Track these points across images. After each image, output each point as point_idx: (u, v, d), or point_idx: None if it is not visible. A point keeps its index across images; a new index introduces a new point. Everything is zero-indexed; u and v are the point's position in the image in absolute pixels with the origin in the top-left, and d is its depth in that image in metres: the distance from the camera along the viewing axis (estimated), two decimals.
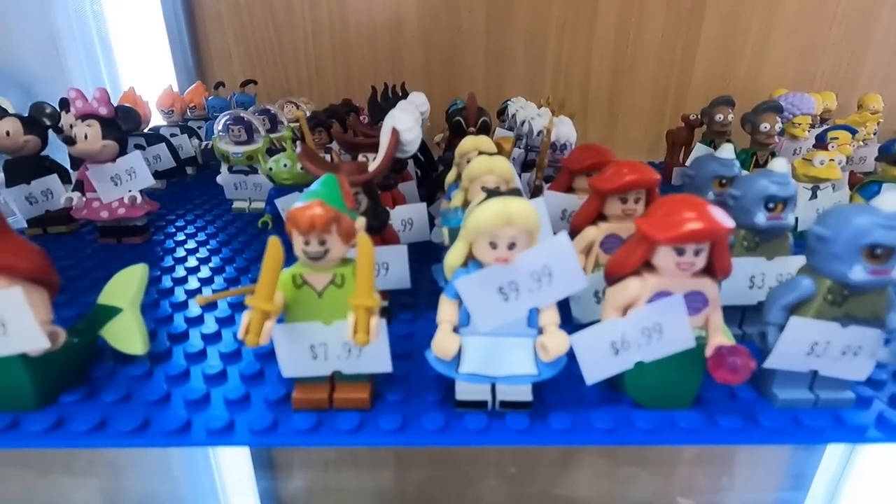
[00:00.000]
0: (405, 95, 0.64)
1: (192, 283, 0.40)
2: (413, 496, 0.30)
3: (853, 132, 0.53)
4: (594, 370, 0.24)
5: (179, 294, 0.38)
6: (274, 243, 0.21)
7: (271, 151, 0.58)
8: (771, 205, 0.29)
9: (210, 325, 0.33)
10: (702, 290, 0.23)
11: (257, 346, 0.21)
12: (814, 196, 0.48)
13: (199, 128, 0.78)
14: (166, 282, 0.40)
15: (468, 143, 0.38)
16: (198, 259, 0.44)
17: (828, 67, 0.91)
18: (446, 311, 0.24)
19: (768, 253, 0.30)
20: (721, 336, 0.24)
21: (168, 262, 0.43)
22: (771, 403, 0.26)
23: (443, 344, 0.23)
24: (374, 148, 0.35)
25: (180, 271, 0.42)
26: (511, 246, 0.22)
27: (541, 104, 0.73)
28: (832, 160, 0.46)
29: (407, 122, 0.29)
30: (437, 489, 0.30)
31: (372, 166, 0.30)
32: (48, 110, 0.48)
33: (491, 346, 0.24)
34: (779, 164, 0.29)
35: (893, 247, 0.22)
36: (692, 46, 0.89)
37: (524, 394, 0.25)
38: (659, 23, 0.87)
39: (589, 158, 0.36)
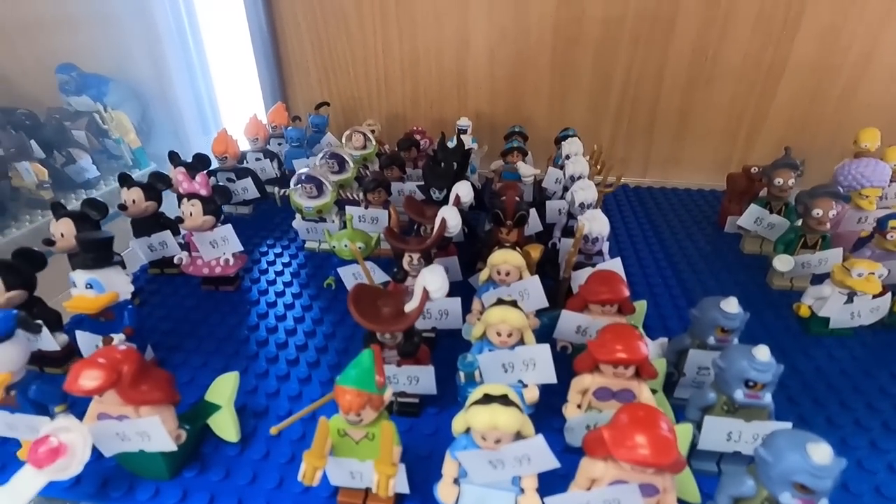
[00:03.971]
0: (462, 146, 0.68)
1: (272, 347, 0.50)
2: None
3: None
4: None
5: (262, 360, 0.48)
6: (323, 423, 0.30)
7: (340, 203, 0.66)
8: (751, 383, 0.32)
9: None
10: (654, 483, 0.29)
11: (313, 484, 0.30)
12: (849, 300, 0.48)
13: (280, 144, 0.87)
14: (258, 335, 0.51)
15: (498, 256, 0.44)
16: (283, 305, 0.56)
17: None
18: (448, 467, 0.31)
19: (746, 416, 0.34)
20: None
21: (254, 310, 0.55)
22: None
23: (444, 492, 0.31)
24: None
25: (271, 321, 0.53)
26: (497, 440, 0.28)
27: (593, 151, 0.74)
28: (872, 273, 0.46)
29: (436, 282, 0.35)
30: None
31: (410, 307, 0.36)
32: (162, 176, 0.58)
33: (483, 494, 0.31)
34: (762, 353, 0.32)
35: (817, 489, 0.26)
36: (779, 64, 0.83)
37: None
38: (744, 38, 0.82)
39: (602, 294, 0.40)
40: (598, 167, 0.68)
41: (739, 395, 0.32)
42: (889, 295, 0.48)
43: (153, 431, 0.33)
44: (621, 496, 0.29)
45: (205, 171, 0.55)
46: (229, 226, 0.54)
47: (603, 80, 0.89)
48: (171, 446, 0.34)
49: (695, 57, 0.84)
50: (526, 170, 0.73)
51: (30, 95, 0.88)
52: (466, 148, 0.67)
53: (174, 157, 0.64)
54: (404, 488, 0.32)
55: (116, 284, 0.41)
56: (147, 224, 0.58)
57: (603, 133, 0.94)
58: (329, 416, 0.31)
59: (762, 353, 0.32)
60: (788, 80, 0.83)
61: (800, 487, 0.26)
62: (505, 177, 0.74)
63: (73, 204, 0.79)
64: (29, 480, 0.31)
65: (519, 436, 0.29)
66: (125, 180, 0.56)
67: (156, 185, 0.57)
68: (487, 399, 0.29)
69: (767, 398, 0.33)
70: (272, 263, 0.64)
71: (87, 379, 0.31)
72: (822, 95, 0.83)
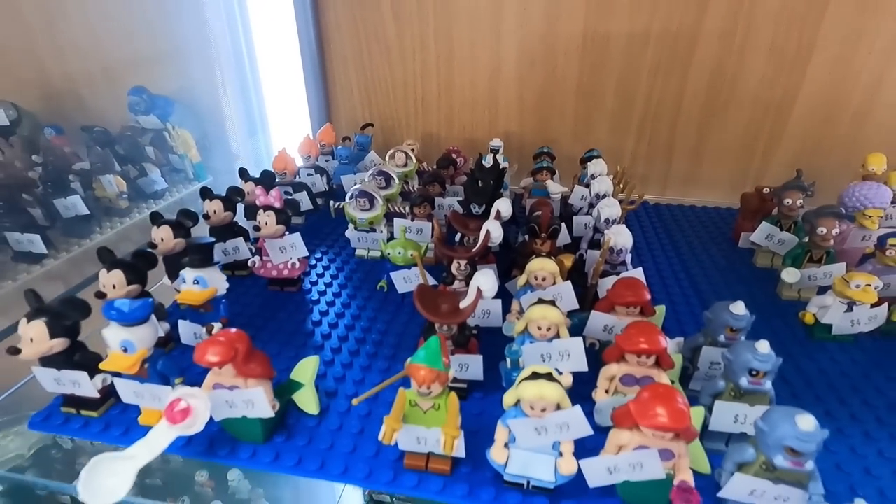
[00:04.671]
0: (497, 165, 0.75)
1: (335, 340, 0.58)
2: None
3: None
4: (595, 480, 0.37)
5: (327, 350, 0.56)
6: (401, 393, 0.37)
7: (388, 216, 0.74)
8: (753, 372, 0.39)
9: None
10: (672, 448, 0.35)
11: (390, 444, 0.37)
12: (849, 310, 0.54)
13: (328, 161, 0.96)
14: (322, 330, 0.59)
15: (535, 264, 0.51)
16: (341, 304, 0.64)
17: None
18: (500, 434, 0.38)
19: (750, 401, 0.40)
20: (685, 474, 0.36)
21: (316, 308, 0.62)
22: None
23: (496, 455, 0.37)
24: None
25: (332, 318, 0.61)
26: (543, 409, 0.35)
27: (616, 171, 0.81)
28: (869, 285, 0.51)
29: (488, 283, 0.42)
30: None
31: (464, 303, 0.44)
32: (238, 190, 0.66)
33: (528, 457, 0.38)
34: (763, 346, 0.38)
35: (804, 452, 0.32)
36: (793, 91, 0.89)
37: (549, 484, 0.39)
38: (759, 65, 0.88)
39: (628, 297, 0.46)
40: (622, 186, 0.75)
41: (744, 381, 0.39)
42: (886, 305, 0.53)
43: (257, 400, 0.41)
44: (643, 459, 0.35)
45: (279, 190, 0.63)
46: (297, 234, 0.62)
47: (625, 102, 0.96)
48: (269, 413, 0.41)
49: (712, 81, 0.90)
50: (554, 188, 0.80)
51: (103, 113, 0.98)
52: (501, 167, 0.74)
53: (244, 173, 0.73)
54: (461, 452, 0.39)
55: (216, 281, 0.50)
56: (224, 231, 0.66)
57: (625, 153, 1.01)
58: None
59: (763, 346, 0.38)
60: (801, 106, 0.89)
61: (790, 451, 0.32)
62: (534, 193, 0.81)
63: (145, 212, 0.89)
64: (162, 434, 0.39)
65: (559, 407, 0.36)
66: (206, 193, 0.65)
67: (233, 198, 0.65)
68: (535, 376, 0.36)
69: (768, 385, 0.39)
70: (327, 268, 0.72)
71: (213, 354, 0.38)
72: (834, 120, 0.88)
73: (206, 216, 0.64)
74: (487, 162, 0.75)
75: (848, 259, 0.64)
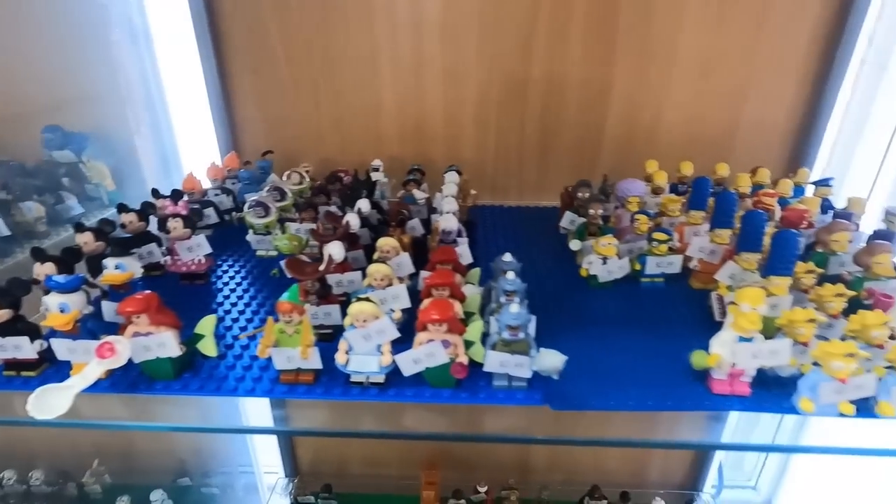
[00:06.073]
0: (369, 179, 0.95)
1: (234, 314, 0.73)
2: None
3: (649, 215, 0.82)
4: (407, 370, 0.56)
5: (228, 320, 0.72)
6: (269, 320, 0.54)
7: (282, 220, 0.91)
8: (510, 327, 0.58)
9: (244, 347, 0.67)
10: (448, 339, 0.55)
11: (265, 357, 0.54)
12: (604, 263, 0.78)
13: (234, 184, 1.12)
14: (224, 308, 0.74)
15: (381, 241, 0.70)
16: (242, 290, 0.79)
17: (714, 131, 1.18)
18: (342, 344, 0.56)
19: (513, 349, 0.58)
20: (461, 357, 0.56)
21: (221, 296, 0.78)
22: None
23: (339, 358, 0.56)
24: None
25: (233, 300, 0.76)
26: (364, 321, 0.54)
27: (464, 181, 1.04)
28: (609, 244, 0.76)
29: (335, 250, 0.61)
30: None
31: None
32: (150, 204, 0.81)
33: (362, 359, 0.56)
34: (513, 308, 0.57)
35: (516, 325, 0.53)
36: (602, 116, 1.17)
37: (379, 376, 0.57)
38: (574, 98, 1.16)
39: (435, 279, 0.65)
40: (464, 192, 0.98)
41: (506, 335, 0.54)
42: (626, 259, 0.78)
43: (167, 341, 0.56)
44: (433, 349, 0.55)
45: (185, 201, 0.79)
46: (202, 235, 0.78)
47: (482, 127, 1.20)
48: (177, 352, 0.57)
49: (543, 112, 1.17)
50: (419, 195, 1.01)
51: (22, 150, 1.08)
52: (373, 180, 0.95)
53: (156, 192, 0.88)
54: (318, 363, 0.57)
55: (133, 267, 0.65)
56: (138, 239, 0.80)
57: (486, 166, 1.25)
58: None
59: (513, 307, 0.56)
60: (610, 127, 1.18)
61: (509, 328, 0.53)
62: (405, 200, 1.02)
63: (63, 234, 0.99)
64: (93, 368, 0.53)
65: (375, 319, 0.55)
66: (122, 207, 0.79)
67: (146, 210, 0.80)
68: (358, 300, 0.55)
69: (522, 335, 0.55)
70: (232, 266, 0.88)
71: (131, 305, 0.54)
72: (634, 140, 1.17)
73: (123, 226, 0.78)
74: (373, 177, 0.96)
75: (622, 233, 0.90)
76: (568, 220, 0.93)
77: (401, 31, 1.13)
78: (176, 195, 0.85)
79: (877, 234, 0.73)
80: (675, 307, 0.75)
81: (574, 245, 0.84)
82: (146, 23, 1.15)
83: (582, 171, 1.24)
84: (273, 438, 1.58)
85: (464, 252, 0.77)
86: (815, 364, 0.53)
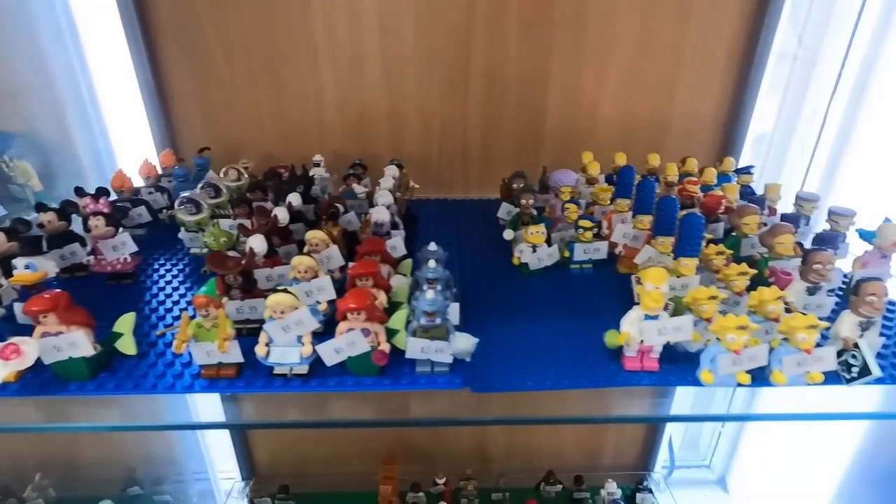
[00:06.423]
0: (306, 174, 0.95)
1: (162, 312, 0.72)
2: None
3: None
4: (329, 360, 0.57)
5: (154, 319, 0.70)
6: (184, 315, 0.54)
7: (214, 216, 0.90)
8: (426, 313, 0.59)
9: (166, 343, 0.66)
10: (368, 328, 0.56)
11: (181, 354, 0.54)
12: (534, 251, 0.80)
13: (170, 182, 1.09)
14: (152, 306, 0.73)
15: (309, 234, 0.70)
16: (171, 288, 0.78)
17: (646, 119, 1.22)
18: (262, 336, 0.56)
19: (433, 335, 0.59)
20: (382, 345, 0.56)
21: (149, 295, 0.76)
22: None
23: (259, 350, 0.56)
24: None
25: (161, 298, 0.75)
26: (282, 312, 0.54)
27: (404, 174, 1.04)
28: (537, 233, 0.78)
29: (256, 243, 0.61)
30: None
31: None
32: (72, 203, 0.79)
33: (283, 350, 0.56)
34: (429, 294, 0.58)
35: (432, 311, 0.54)
36: (541, 108, 1.20)
37: (304, 370, 0.57)
38: (513, 92, 1.18)
39: (358, 269, 0.65)
40: (403, 187, 0.99)
41: (423, 321, 0.55)
42: (556, 246, 0.81)
43: (79, 340, 0.55)
44: (354, 338, 0.56)
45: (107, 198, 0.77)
46: (127, 233, 0.76)
47: (425, 122, 1.21)
48: (91, 352, 0.56)
49: (485, 106, 1.19)
50: (359, 189, 1.01)
51: None
52: (311, 175, 0.94)
53: (80, 191, 0.85)
54: (238, 357, 0.57)
55: (46, 266, 0.63)
56: (60, 238, 0.78)
57: (431, 161, 1.26)
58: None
59: (429, 294, 0.58)
60: (550, 120, 1.21)
61: (426, 314, 0.54)
62: (346, 195, 1.02)
63: None
64: None
65: (293, 310, 0.55)
66: (41, 207, 0.76)
67: (66, 209, 0.77)
68: (275, 292, 0.55)
69: (439, 321, 0.55)
70: (163, 265, 0.86)
71: (36, 304, 0.52)
72: (573, 132, 1.21)
73: (42, 225, 0.75)
74: (313, 172, 0.95)
75: (556, 222, 0.92)
76: (505, 210, 0.95)
77: (338, 24, 1.12)
78: (100, 193, 0.82)
79: (819, 237, 0.77)
80: (602, 291, 0.78)
81: (507, 235, 0.86)
82: (70, 16, 1.10)
83: (524, 163, 1.27)
84: (228, 442, 1.56)
85: (397, 244, 0.77)
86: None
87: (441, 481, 1.40)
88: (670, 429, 1.55)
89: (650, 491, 1.40)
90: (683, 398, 0.62)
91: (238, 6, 1.11)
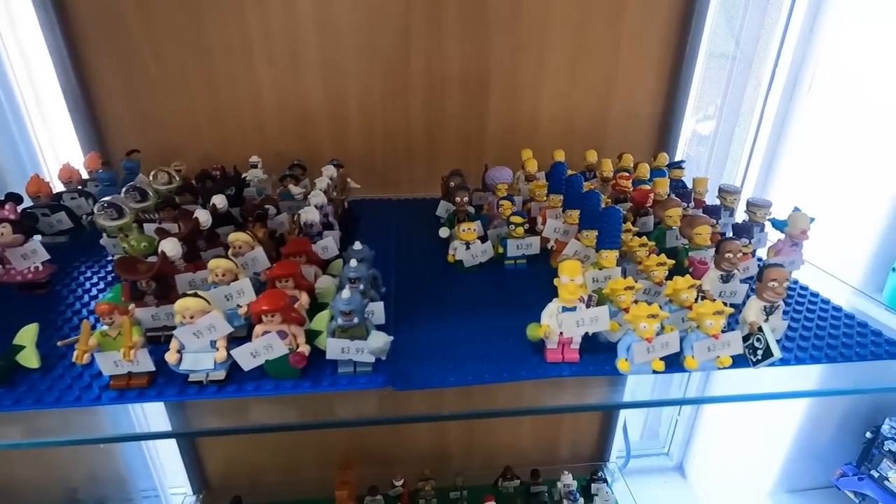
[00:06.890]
0: (237, 175, 0.92)
1: (75, 322, 0.69)
2: None
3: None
4: (246, 364, 0.55)
5: (67, 329, 0.67)
6: (84, 324, 0.51)
7: (139, 220, 0.86)
8: (343, 313, 0.58)
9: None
10: (285, 329, 0.55)
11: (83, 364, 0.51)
12: (468, 248, 0.81)
13: (96, 186, 1.04)
14: (65, 316, 0.69)
15: (232, 236, 0.68)
16: (89, 297, 0.74)
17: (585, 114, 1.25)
18: (173, 343, 0.54)
19: (352, 335, 0.58)
20: (301, 347, 0.55)
21: (64, 305, 0.72)
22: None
23: (169, 357, 0.54)
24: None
25: (77, 308, 0.71)
26: (191, 317, 0.53)
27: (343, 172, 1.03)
28: (469, 229, 0.79)
29: (168, 247, 0.58)
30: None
31: None
32: None
33: (197, 356, 0.54)
34: (345, 293, 0.57)
35: (347, 310, 0.53)
36: (484, 108, 1.21)
37: (220, 376, 0.56)
38: (456, 97, 1.18)
39: (277, 271, 0.64)
40: (340, 186, 0.98)
41: (339, 321, 0.54)
42: (489, 242, 0.81)
43: None
44: (270, 341, 0.54)
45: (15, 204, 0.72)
46: (37, 240, 0.72)
47: (368, 121, 1.20)
48: None
49: (427, 105, 1.19)
50: (296, 190, 0.99)
51: None
52: (243, 176, 0.92)
53: None
54: (149, 366, 0.54)
55: None
56: None
57: (375, 161, 1.25)
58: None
59: (345, 293, 0.56)
60: (492, 119, 1.22)
61: (342, 314, 0.54)
62: (283, 197, 1.00)
63: None
64: None
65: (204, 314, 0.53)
66: None
67: None
68: (184, 296, 0.53)
69: (357, 320, 0.54)
70: (83, 273, 0.82)
71: None
72: (515, 131, 1.22)
73: None
74: (249, 174, 0.93)
75: (493, 219, 0.93)
76: (443, 208, 0.95)
77: (273, 23, 1.10)
78: (8, 199, 0.78)
79: (736, 228, 0.80)
80: (534, 286, 0.79)
81: (443, 233, 0.86)
82: None
83: (468, 161, 1.28)
84: (177, 457, 1.50)
85: (329, 245, 0.76)
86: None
87: (399, 483, 1.39)
88: (624, 418, 1.59)
89: (605, 481, 1.43)
90: (642, 386, 0.63)
91: (167, 5, 1.07)
